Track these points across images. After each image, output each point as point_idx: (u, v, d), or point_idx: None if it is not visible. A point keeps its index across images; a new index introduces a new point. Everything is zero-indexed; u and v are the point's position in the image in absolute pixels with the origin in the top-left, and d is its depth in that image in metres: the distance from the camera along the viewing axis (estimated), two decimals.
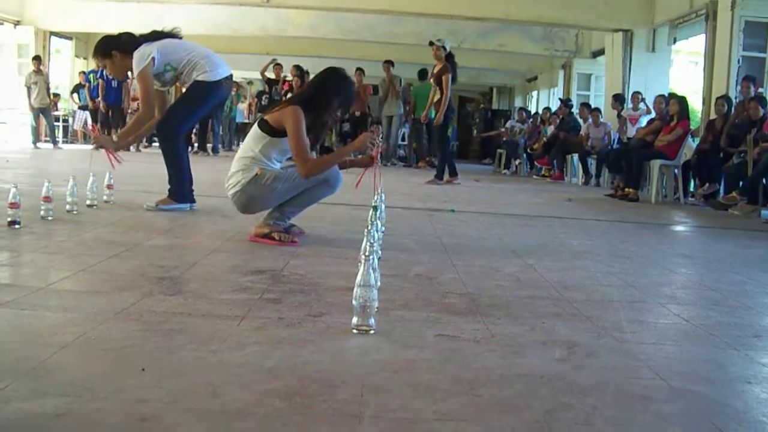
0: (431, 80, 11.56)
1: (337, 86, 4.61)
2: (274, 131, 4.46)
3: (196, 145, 17.00)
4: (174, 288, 3.16)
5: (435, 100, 11.24)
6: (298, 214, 4.67)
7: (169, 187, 6.00)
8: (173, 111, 6.14)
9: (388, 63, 16.59)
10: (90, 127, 17.13)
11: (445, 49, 11.00)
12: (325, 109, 4.56)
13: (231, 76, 6.16)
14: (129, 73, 6.10)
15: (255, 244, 4.45)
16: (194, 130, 16.76)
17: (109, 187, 6.03)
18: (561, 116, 15.83)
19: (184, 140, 6.40)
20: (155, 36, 5.92)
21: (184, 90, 6.11)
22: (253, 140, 4.53)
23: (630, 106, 13.78)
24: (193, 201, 6.10)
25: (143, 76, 5.72)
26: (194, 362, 2.21)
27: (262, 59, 17.70)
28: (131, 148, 17.11)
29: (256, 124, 4.59)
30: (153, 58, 5.73)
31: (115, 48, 5.85)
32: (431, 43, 11.10)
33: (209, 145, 17.23)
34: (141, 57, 5.70)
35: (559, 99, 17.92)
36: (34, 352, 2.22)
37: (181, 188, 5.99)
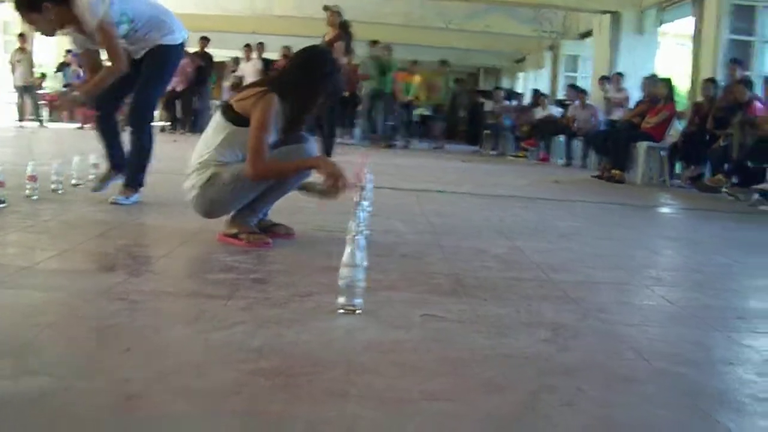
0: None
1: (325, 72, 3.84)
2: (239, 119, 3.73)
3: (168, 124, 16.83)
4: (160, 267, 3.16)
5: None
6: (271, 206, 4.03)
7: (126, 175, 5.05)
8: (147, 90, 5.01)
9: (374, 43, 16.50)
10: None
11: (340, 15, 10.61)
12: (309, 99, 3.85)
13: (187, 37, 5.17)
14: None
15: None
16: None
17: (96, 166, 5.99)
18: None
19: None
20: None
21: (135, 53, 4.89)
22: (213, 132, 3.83)
23: (610, 86, 13.83)
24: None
25: (105, 23, 4.57)
26: (180, 341, 2.21)
27: (249, 38, 17.59)
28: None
29: (219, 112, 3.88)
30: (111, 1, 4.59)
31: None
32: (326, 8, 10.57)
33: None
34: (95, 1, 4.51)
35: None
36: (20, 331, 2.21)
37: (141, 175, 5.09)
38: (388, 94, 16.42)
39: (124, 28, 4.74)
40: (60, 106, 5.10)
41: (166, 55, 4.96)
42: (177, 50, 5.03)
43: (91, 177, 5.83)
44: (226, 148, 3.76)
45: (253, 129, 3.66)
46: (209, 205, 3.81)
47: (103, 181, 5.19)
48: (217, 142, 3.76)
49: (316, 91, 3.86)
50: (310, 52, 3.99)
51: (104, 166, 5.24)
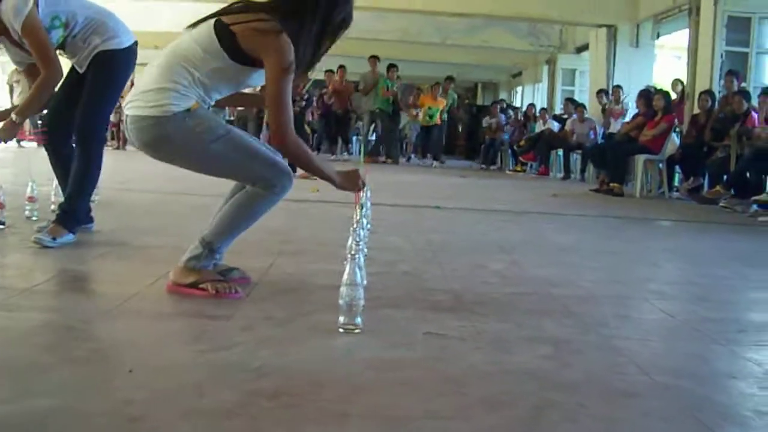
0: None
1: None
2: (237, 53, 2.93)
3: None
4: (161, 288, 3.16)
5: None
6: (230, 244, 3.17)
7: (61, 207, 4.14)
8: (92, 104, 4.18)
9: (375, 58, 16.54)
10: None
11: None
12: (320, 28, 3.02)
13: (137, 42, 4.35)
14: None
15: None
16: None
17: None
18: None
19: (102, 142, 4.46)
20: None
21: (78, 65, 4.22)
22: (200, 48, 2.95)
23: (611, 99, 13.87)
24: (90, 221, 4.52)
25: (31, 25, 3.85)
26: (182, 362, 2.21)
27: None
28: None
29: (210, 25, 2.98)
30: (36, 1, 3.88)
31: None
32: None
33: None
34: (19, 1, 3.82)
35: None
36: (21, 353, 2.21)
37: (80, 211, 4.22)
38: (379, 111, 16.40)
39: (58, 34, 4.06)
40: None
41: (111, 62, 4.18)
42: (124, 55, 4.24)
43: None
44: (211, 79, 3.00)
45: (272, 83, 2.93)
46: (161, 140, 2.99)
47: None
48: (207, 67, 2.96)
49: (327, 15, 3.02)
50: None
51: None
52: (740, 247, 6.02)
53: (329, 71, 16.89)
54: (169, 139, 2.96)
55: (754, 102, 9.87)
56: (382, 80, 16.29)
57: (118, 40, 4.17)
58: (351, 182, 3.23)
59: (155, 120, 2.93)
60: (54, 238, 3.94)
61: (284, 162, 3.09)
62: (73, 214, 4.10)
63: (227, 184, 3.23)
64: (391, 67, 16.50)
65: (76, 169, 4.14)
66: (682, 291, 4.00)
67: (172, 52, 3.02)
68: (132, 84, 3.94)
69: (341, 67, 16.57)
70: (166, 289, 3.03)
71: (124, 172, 9.28)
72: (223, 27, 2.95)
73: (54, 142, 4.40)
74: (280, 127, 2.93)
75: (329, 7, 3.01)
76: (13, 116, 4.08)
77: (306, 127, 17.97)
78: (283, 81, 2.91)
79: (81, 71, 4.21)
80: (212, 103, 3.13)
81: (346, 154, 17.40)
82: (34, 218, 4.78)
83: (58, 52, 4.09)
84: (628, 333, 2.89)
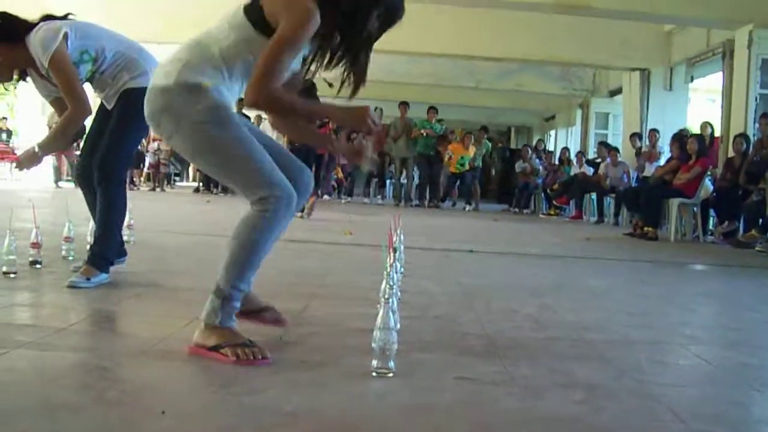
0: None
1: None
2: (265, 25, 2.71)
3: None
4: (193, 330, 3.17)
5: None
6: (244, 286, 2.80)
7: (92, 249, 4.10)
8: (114, 142, 4.07)
9: (404, 105, 16.65)
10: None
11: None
12: (362, 11, 2.75)
13: None
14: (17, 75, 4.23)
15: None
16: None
17: (129, 227, 6.05)
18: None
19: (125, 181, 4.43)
20: (47, 19, 4.00)
21: (107, 101, 4.16)
22: (226, 22, 2.80)
23: (647, 143, 13.82)
24: (123, 254, 4.51)
25: (59, 58, 3.82)
26: (214, 405, 2.21)
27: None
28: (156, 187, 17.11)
29: (241, 6, 2.81)
30: (66, 35, 3.86)
31: None
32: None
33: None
34: (48, 35, 3.82)
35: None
36: (54, 393, 2.23)
37: (109, 251, 4.13)
38: (419, 156, 16.47)
39: (86, 69, 4.00)
40: (20, 165, 4.08)
41: (138, 100, 3.56)
42: None
43: (125, 238, 5.88)
44: (233, 57, 2.79)
45: (275, 41, 2.65)
46: (162, 112, 2.82)
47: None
48: (229, 41, 2.77)
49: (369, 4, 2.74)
50: None
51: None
52: None
53: None
54: (169, 110, 2.78)
55: None
56: (420, 122, 16.42)
57: (147, 77, 3.84)
58: (357, 118, 2.81)
59: (161, 89, 2.79)
60: (88, 279, 3.94)
61: (288, 186, 2.74)
62: (103, 254, 4.07)
63: None
64: (431, 109, 16.60)
65: (100, 211, 4.10)
66: (717, 336, 3.96)
67: (204, 30, 2.88)
68: None
69: (377, 109, 16.68)
70: (187, 351, 2.73)
71: (162, 214, 9.37)
72: (254, 4, 2.77)
73: (83, 178, 4.28)
74: (256, 84, 2.65)
75: None
76: (36, 148, 4.06)
77: (339, 170, 18.11)
78: (285, 46, 2.65)
79: (109, 107, 4.14)
80: (236, 96, 2.89)
81: (380, 198, 17.44)
82: (70, 258, 4.83)
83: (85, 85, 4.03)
84: (662, 379, 2.86)
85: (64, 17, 4.03)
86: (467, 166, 17.01)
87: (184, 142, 2.81)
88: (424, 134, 16.42)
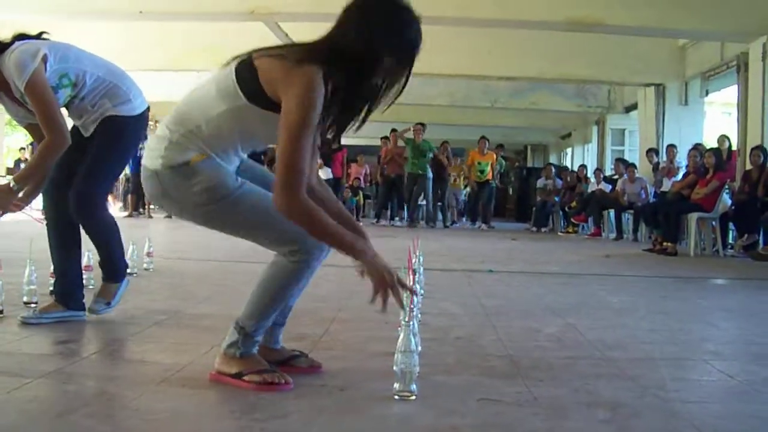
0: None
1: (387, 21, 2.54)
2: (255, 93, 2.54)
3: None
4: (214, 356, 3.18)
5: None
6: (265, 325, 2.77)
7: (102, 269, 4.00)
8: (93, 173, 3.81)
9: (421, 126, 16.58)
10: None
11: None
12: (368, 68, 2.54)
13: (149, 107, 4.02)
14: None
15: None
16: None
17: (149, 254, 6.08)
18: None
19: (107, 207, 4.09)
20: (21, 39, 3.64)
21: (84, 128, 3.83)
22: (214, 87, 2.61)
23: (665, 158, 13.77)
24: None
25: (37, 82, 3.47)
26: (238, 431, 2.22)
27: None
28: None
29: (231, 67, 2.61)
30: (45, 57, 3.51)
31: None
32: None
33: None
34: (25, 57, 3.47)
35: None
36: (77, 422, 2.23)
37: (120, 263, 4.04)
38: (423, 176, 16.38)
39: (65, 94, 3.68)
40: None
41: (120, 129, 3.81)
42: (135, 123, 3.88)
43: (144, 266, 5.91)
44: (220, 130, 2.61)
45: (285, 130, 2.45)
46: (161, 195, 2.71)
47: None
48: (215, 112, 2.59)
49: (377, 52, 2.52)
50: None
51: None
52: None
53: (384, 138, 17.03)
54: (167, 196, 2.70)
55: None
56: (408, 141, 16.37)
57: (131, 106, 3.82)
58: (380, 282, 2.62)
59: (151, 173, 2.68)
60: (108, 303, 3.91)
61: None
62: (115, 266, 3.98)
63: None
64: (417, 125, 16.32)
65: (96, 236, 3.90)
66: (740, 351, 3.93)
67: (190, 92, 2.74)
68: None
69: (393, 131, 16.68)
70: (209, 377, 2.73)
71: (178, 241, 9.40)
72: (246, 61, 2.59)
73: (54, 209, 3.86)
74: (285, 188, 2.47)
75: (388, 43, 2.53)
76: (11, 183, 3.64)
77: (360, 194, 18.10)
78: (297, 132, 2.45)
79: (86, 135, 3.84)
80: (235, 163, 2.77)
81: (398, 219, 17.41)
82: (90, 286, 4.84)
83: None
84: (686, 395, 2.84)
85: (38, 36, 3.70)
86: (487, 175, 16.97)
87: (195, 220, 2.76)
88: (405, 138, 16.34)
